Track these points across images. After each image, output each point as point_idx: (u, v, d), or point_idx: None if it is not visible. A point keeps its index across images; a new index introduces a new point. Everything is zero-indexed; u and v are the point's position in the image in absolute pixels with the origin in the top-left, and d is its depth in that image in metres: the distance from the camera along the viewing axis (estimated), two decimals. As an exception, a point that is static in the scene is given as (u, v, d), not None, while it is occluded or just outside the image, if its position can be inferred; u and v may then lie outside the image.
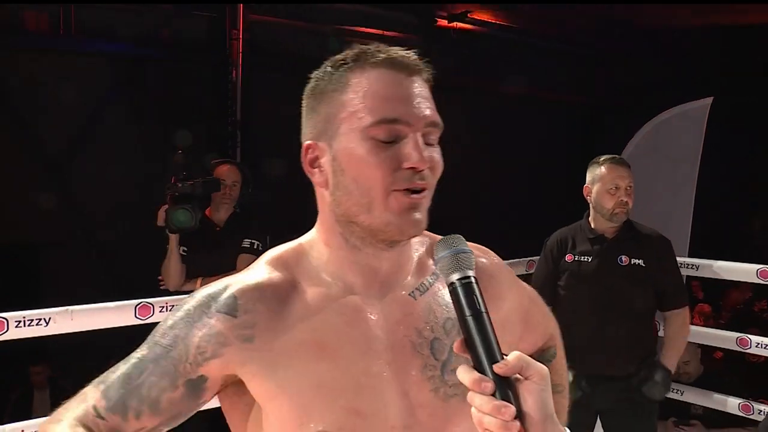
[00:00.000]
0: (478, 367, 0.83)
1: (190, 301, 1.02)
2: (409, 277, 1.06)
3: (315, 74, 1.03)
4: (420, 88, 0.99)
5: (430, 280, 1.07)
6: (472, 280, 0.86)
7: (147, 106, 5.87)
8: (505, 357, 0.82)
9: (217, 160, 3.88)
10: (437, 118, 0.99)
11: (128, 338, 1.29)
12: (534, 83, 7.33)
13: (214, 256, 3.52)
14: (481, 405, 0.80)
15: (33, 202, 5.51)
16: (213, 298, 1.01)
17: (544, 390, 0.82)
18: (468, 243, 1.14)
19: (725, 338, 3.53)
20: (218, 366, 0.99)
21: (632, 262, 2.95)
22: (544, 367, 0.83)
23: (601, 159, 3.04)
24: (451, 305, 1.00)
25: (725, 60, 6.71)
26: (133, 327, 2.51)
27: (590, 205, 3.05)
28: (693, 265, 3.48)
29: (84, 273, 5.65)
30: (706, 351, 4.36)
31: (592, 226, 3.04)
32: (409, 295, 1.05)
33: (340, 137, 0.98)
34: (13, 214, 5.44)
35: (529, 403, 0.80)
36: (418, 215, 0.98)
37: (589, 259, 3.00)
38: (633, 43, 7.08)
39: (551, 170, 7.36)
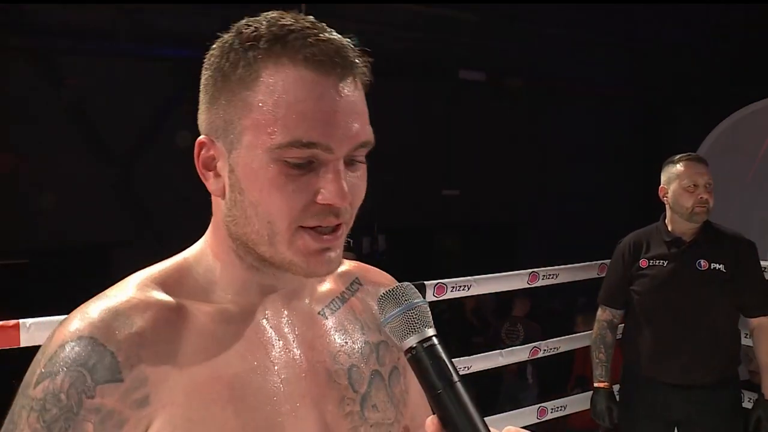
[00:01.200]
0: None
1: (58, 381, 0.75)
2: (317, 292, 0.91)
3: (220, 45, 0.82)
4: (350, 97, 0.78)
5: (343, 297, 0.92)
6: (435, 341, 0.71)
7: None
8: None
9: None
10: (368, 136, 0.79)
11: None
12: (599, 81, 7.13)
13: None
14: None
15: (102, 203, 5.64)
16: (85, 365, 0.76)
17: None
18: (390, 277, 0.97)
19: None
20: None
21: (712, 267, 2.80)
22: None
23: (677, 157, 2.91)
24: (370, 323, 0.89)
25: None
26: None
27: (667, 207, 2.91)
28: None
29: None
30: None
31: (669, 228, 2.90)
32: (319, 314, 0.89)
33: (242, 149, 0.78)
34: (82, 214, 5.59)
35: None
36: (330, 254, 0.80)
37: (665, 264, 2.86)
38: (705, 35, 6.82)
39: (623, 171, 7.16)
